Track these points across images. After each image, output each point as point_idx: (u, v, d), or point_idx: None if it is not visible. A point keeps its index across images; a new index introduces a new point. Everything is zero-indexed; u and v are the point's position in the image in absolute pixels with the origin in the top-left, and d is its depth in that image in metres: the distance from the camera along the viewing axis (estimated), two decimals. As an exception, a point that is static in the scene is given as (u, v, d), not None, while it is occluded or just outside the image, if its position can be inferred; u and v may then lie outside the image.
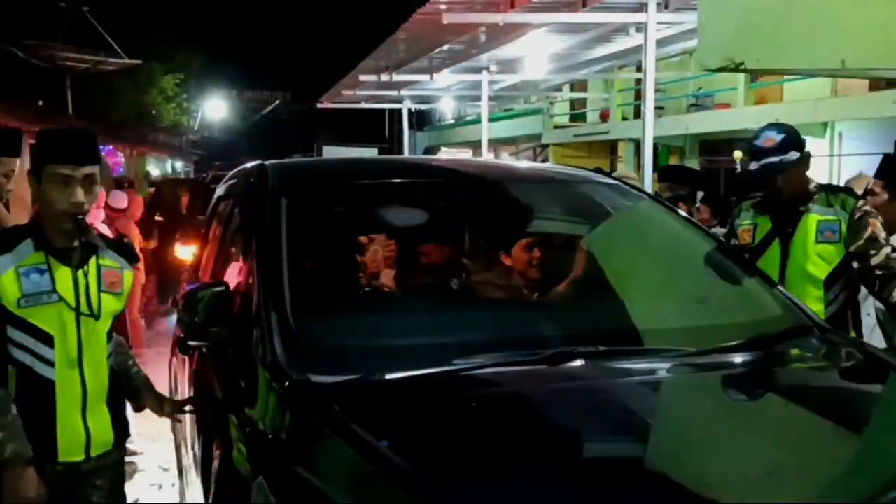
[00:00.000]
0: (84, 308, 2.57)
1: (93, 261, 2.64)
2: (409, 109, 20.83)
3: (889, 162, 4.17)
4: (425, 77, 14.73)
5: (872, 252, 3.02)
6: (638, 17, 9.19)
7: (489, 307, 2.77)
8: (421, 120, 29.05)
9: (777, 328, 2.49)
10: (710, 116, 15.59)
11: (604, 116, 20.24)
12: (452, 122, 28.64)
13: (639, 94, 19.05)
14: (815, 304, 2.97)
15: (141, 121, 27.53)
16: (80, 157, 2.51)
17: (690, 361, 2.30)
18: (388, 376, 2.06)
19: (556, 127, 21.70)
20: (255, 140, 37.43)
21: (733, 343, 2.36)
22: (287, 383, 2.07)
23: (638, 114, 19.18)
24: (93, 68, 14.87)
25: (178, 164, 30.37)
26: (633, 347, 2.37)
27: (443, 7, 9.14)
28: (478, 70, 14.28)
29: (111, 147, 9.59)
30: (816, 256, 3.09)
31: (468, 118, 26.66)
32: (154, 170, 24.35)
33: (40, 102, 15.73)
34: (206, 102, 35.36)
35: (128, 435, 2.84)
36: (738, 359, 2.34)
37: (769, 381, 2.32)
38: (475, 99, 17.30)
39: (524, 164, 4.71)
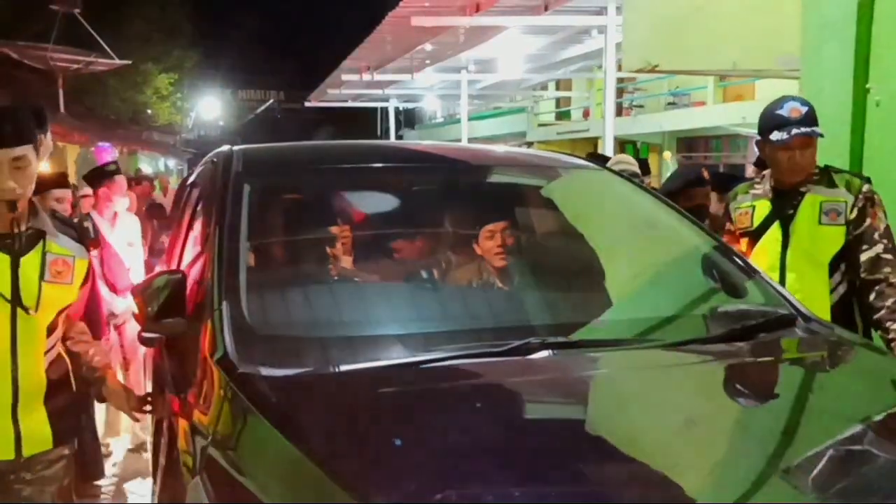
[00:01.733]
0: (25, 300, 2.37)
1: (37, 248, 2.43)
2: (397, 108, 21.30)
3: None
4: (406, 76, 15.18)
5: (864, 247, 2.85)
6: (598, 20, 9.64)
7: (457, 297, 2.61)
8: (412, 119, 29.48)
9: (757, 318, 2.32)
10: (683, 114, 16.03)
11: (586, 114, 20.70)
12: (442, 120, 29.09)
13: (620, 93, 19.55)
14: (820, 289, 2.87)
15: (136, 120, 27.95)
16: (3, 140, 2.28)
17: (661, 355, 2.16)
18: (342, 369, 1.95)
19: (540, 125, 22.14)
20: (250, 139, 37.42)
21: (709, 335, 2.27)
22: (234, 376, 1.91)
23: (620, 112, 19.69)
24: (84, 69, 15.30)
25: (171, 163, 30.78)
26: (599, 339, 2.24)
27: (412, 10, 9.58)
28: (457, 69, 14.76)
29: (109, 144, 10.01)
30: (819, 238, 2.89)
31: (457, 117, 27.12)
32: (147, 168, 24.75)
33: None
34: (200, 101, 35.73)
35: (75, 432, 2.68)
36: (712, 352, 2.18)
37: (744, 376, 2.13)
38: (458, 97, 17.77)
39: (501, 148, 4.33)
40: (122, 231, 5.22)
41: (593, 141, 20.67)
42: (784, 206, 2.96)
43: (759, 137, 3.03)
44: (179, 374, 2.37)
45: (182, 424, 2.15)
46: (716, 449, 1.72)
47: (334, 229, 2.69)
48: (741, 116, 12.98)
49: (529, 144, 23.04)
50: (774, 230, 2.96)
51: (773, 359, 2.26)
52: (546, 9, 9.46)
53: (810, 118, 2.88)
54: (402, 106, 22.21)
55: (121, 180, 5.24)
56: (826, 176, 2.95)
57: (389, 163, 3.01)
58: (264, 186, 2.67)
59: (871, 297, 2.84)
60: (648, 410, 1.84)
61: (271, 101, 40.52)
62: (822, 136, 2.95)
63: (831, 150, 3.62)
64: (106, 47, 15.22)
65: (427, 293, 2.62)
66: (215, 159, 2.88)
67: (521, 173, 3.13)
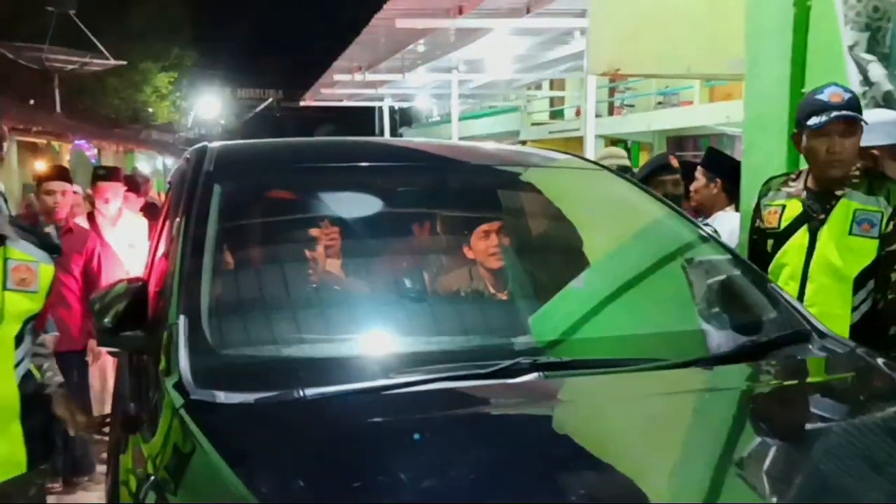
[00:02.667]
0: None
1: None
2: (392, 107, 21.50)
3: (710, 153, 4.49)
4: (398, 76, 15.37)
5: None
6: (580, 23, 9.82)
7: (444, 309, 2.39)
8: (408, 117, 29.66)
9: (769, 334, 2.16)
10: (670, 113, 16.22)
11: (578, 114, 20.87)
12: (438, 119, 29.27)
13: (611, 92, 19.72)
14: (841, 305, 2.60)
15: (136, 118, 28.14)
16: None
17: (660, 379, 1.94)
18: (308, 395, 1.74)
19: (533, 124, 22.32)
20: (249, 137, 37.83)
21: (715, 354, 2.08)
22: (186, 401, 1.71)
23: (611, 111, 19.86)
24: (79, 69, 15.51)
25: (169, 161, 31.01)
26: (596, 359, 2.00)
27: (397, 13, 9.78)
28: (448, 70, 14.95)
29: (85, 141, 10.18)
30: (846, 250, 2.61)
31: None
32: (145, 167, 24.98)
33: (31, 101, 16.39)
34: (199, 100, 35.93)
35: (50, 453, 2.54)
36: (718, 373, 1.99)
37: (752, 402, 1.94)
38: (451, 97, 17.97)
39: (492, 145, 4.10)
40: (124, 232, 5.22)
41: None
42: (815, 209, 2.70)
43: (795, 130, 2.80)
44: (135, 396, 2.18)
45: (128, 455, 1.94)
46: (713, 489, 1.52)
47: (312, 234, 2.47)
48: (725, 116, 13.15)
49: (523, 143, 23.27)
50: (801, 235, 2.71)
51: (784, 383, 2.04)
52: (528, 11, 9.66)
53: (853, 105, 2.64)
54: (397, 105, 22.38)
55: (107, 185, 5.23)
56: (867, 181, 2.68)
57: (373, 161, 2.76)
58: (236, 187, 2.48)
59: (893, 327, 2.57)
60: (646, 454, 1.59)
61: (270, 99, 40.73)
62: (866, 122, 2.69)
63: (772, 152, 3.82)
64: (101, 47, 15.44)
65: (410, 305, 2.36)
66: (189, 157, 2.72)
67: (516, 171, 2.91)
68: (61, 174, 4.81)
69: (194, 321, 1.92)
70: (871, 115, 3.16)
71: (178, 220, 2.35)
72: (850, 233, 2.62)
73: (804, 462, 1.62)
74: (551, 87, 22.62)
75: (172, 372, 1.82)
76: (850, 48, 3.48)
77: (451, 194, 2.78)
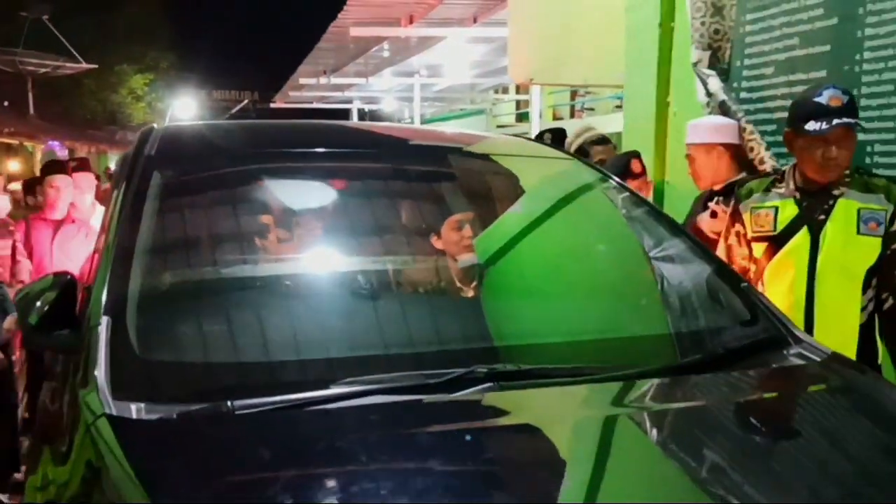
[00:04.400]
0: None
1: None
2: (361, 109, 22.04)
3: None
4: (362, 80, 15.93)
5: None
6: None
7: (402, 309, 2.17)
8: (380, 119, 30.16)
9: (742, 340, 2.01)
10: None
11: (554, 116, 21.48)
12: (409, 120, 29.77)
13: (573, 96, 20.35)
14: (853, 304, 2.57)
15: (112, 120, 28.50)
16: None
17: (622, 392, 1.75)
18: (237, 409, 1.53)
19: (498, 126, 22.90)
20: (224, 139, 38.24)
21: (683, 362, 1.91)
22: (100, 416, 1.52)
23: (572, 114, 20.50)
24: (52, 72, 15.97)
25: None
26: (555, 367, 1.80)
27: (350, 21, 10.34)
28: (410, 74, 15.51)
29: (57, 143, 10.58)
30: (855, 249, 2.57)
31: (426, 117, 27.88)
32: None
33: (6, 103, 16.82)
34: (175, 102, 36.29)
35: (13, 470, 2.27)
36: (685, 384, 1.83)
37: (721, 418, 1.73)
38: (421, 100, 18.55)
39: (464, 132, 3.84)
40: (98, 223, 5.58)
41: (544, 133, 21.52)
42: (813, 209, 2.63)
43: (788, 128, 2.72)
44: (52, 405, 2.01)
45: (37, 476, 1.79)
46: None
47: (260, 228, 2.27)
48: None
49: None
50: (802, 236, 2.63)
51: (757, 397, 1.88)
52: (475, 21, 10.24)
53: (851, 109, 2.58)
54: (367, 107, 22.92)
55: (79, 175, 5.33)
56: (858, 179, 2.64)
57: (332, 147, 2.53)
58: (178, 175, 2.27)
59: None
60: (597, 481, 1.44)
61: (246, 101, 41.13)
62: (863, 128, 2.70)
63: (645, 156, 4.42)
64: (73, 51, 15.92)
65: (365, 305, 2.11)
66: (134, 140, 2.48)
67: (487, 159, 2.77)
68: (62, 169, 5.09)
69: (118, 323, 1.71)
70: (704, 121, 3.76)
71: (111, 210, 2.18)
72: (859, 232, 2.56)
73: (776, 483, 1.44)
74: (517, 91, 23.24)
75: (90, 381, 1.60)
76: (695, 64, 4.09)
77: (416, 181, 2.59)
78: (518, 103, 25.16)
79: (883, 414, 1.80)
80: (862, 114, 3.30)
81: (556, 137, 5.02)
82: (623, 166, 3.95)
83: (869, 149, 3.25)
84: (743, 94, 3.90)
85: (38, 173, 8.53)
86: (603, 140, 4.60)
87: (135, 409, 1.54)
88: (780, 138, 3.12)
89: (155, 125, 2.57)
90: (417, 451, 1.52)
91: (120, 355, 1.67)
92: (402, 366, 1.78)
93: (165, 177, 2.21)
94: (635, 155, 4.00)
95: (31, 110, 15.73)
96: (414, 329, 2.08)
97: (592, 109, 20.03)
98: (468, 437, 1.57)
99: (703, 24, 4.10)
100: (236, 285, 2.14)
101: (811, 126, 2.56)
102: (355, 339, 1.95)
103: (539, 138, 5.03)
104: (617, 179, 2.72)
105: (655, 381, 1.81)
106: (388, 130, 3.35)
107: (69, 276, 2.00)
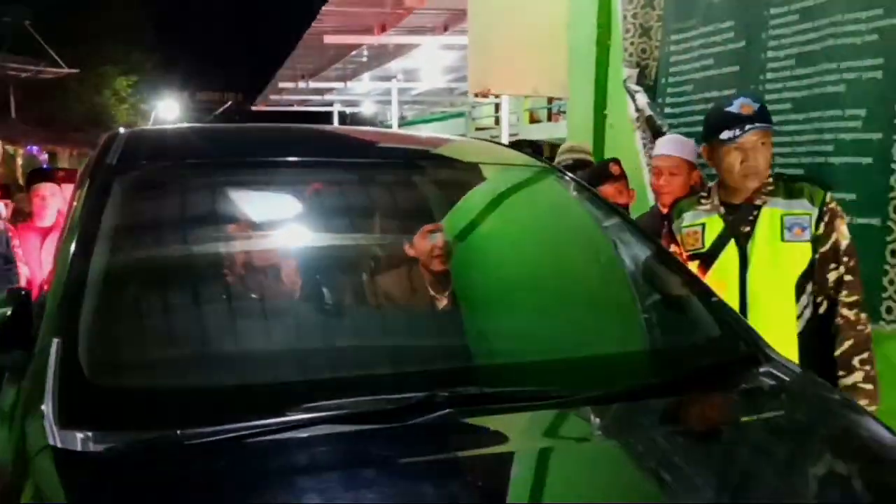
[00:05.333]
0: None
1: None
2: (343, 112, 22.32)
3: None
4: (340, 85, 16.20)
5: (832, 266, 2.52)
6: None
7: (365, 328, 2.09)
8: (361, 122, 30.42)
9: (710, 359, 1.95)
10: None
11: (532, 119, 21.83)
12: (390, 123, 30.05)
13: (550, 100, 20.73)
14: (787, 315, 2.52)
15: (96, 122, 28.63)
16: None
17: (585, 419, 1.66)
18: (187, 437, 1.44)
19: (477, 129, 23.22)
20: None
21: (650, 384, 1.80)
22: (43, 447, 1.41)
23: (549, 117, 20.87)
24: (33, 76, 16.17)
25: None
26: (516, 390, 1.70)
27: (324, 29, 10.62)
28: (388, 78, 15.81)
29: (36, 147, 10.75)
30: (783, 258, 2.54)
31: (407, 119, 28.21)
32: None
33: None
34: (160, 103, 36.43)
35: None
36: (650, 409, 1.72)
37: (688, 445, 1.64)
38: (400, 103, 18.87)
39: (440, 136, 3.69)
40: None
41: (524, 144, 21.92)
42: (739, 222, 2.61)
43: (703, 143, 2.72)
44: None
45: None
46: None
47: (227, 241, 2.16)
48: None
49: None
50: (730, 250, 2.61)
51: (724, 421, 1.79)
52: (446, 29, 10.53)
53: (763, 115, 2.59)
54: (348, 110, 23.19)
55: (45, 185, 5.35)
56: (782, 185, 2.62)
57: (300, 153, 2.39)
58: (140, 185, 2.15)
59: (832, 330, 2.53)
60: None
61: (230, 102, 41.30)
62: (774, 132, 2.71)
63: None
64: (55, 56, 16.12)
65: (332, 322, 2.06)
66: (99, 145, 2.33)
67: (463, 166, 2.66)
68: (48, 178, 5.09)
69: (69, 345, 1.59)
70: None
71: (68, 222, 2.05)
72: (783, 239, 2.55)
73: None
74: (497, 95, 23.55)
75: (32, 409, 1.50)
76: (624, 81, 4.40)
77: (390, 189, 2.52)
78: (497, 106, 25.59)
79: (854, 440, 1.72)
80: (763, 130, 3.62)
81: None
82: (601, 170, 3.90)
83: (772, 161, 3.56)
84: (667, 110, 4.21)
85: (20, 177, 8.71)
86: (610, 176, 4.01)
87: (80, 440, 1.42)
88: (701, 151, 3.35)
89: (121, 129, 2.44)
90: (362, 485, 1.40)
91: (69, 380, 1.53)
92: (364, 389, 1.64)
93: (127, 187, 2.08)
94: (613, 160, 3.97)
95: (13, 113, 15.92)
96: (380, 349, 1.96)
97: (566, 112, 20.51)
98: (416, 470, 1.44)
99: (632, 43, 4.42)
100: (197, 305, 2.00)
101: (725, 135, 2.57)
102: (317, 362, 1.83)
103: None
104: (583, 183, 2.68)
105: (619, 406, 1.69)
106: (356, 134, 3.25)
107: (24, 292, 1.87)
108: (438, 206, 2.56)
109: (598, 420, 1.67)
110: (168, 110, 37.85)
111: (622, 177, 3.84)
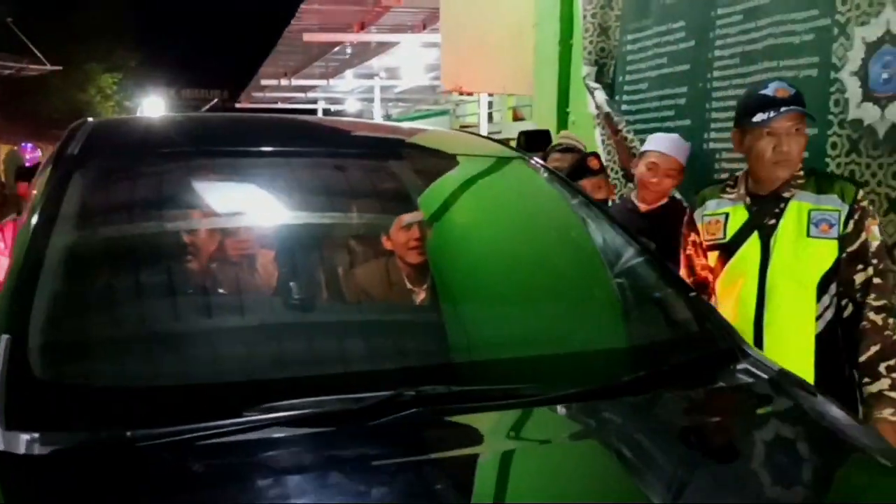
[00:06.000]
0: None
1: None
2: (326, 109, 22.39)
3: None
4: (323, 82, 16.29)
5: (860, 267, 2.38)
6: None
7: (336, 323, 2.02)
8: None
9: (686, 356, 1.89)
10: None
11: (516, 117, 21.95)
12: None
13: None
14: (806, 314, 2.40)
15: (81, 119, 28.54)
16: None
17: (554, 418, 1.61)
18: (138, 439, 1.38)
19: (462, 126, 23.35)
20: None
21: (625, 381, 1.72)
22: None
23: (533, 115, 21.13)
24: (16, 74, 16.19)
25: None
26: (478, 389, 1.64)
27: (304, 27, 10.72)
28: (370, 76, 15.91)
29: (30, 144, 10.78)
30: (807, 254, 2.41)
31: (392, 117, 28.32)
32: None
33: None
34: (144, 101, 36.39)
35: None
36: (624, 407, 1.66)
37: (659, 445, 1.57)
38: (384, 101, 18.97)
39: (419, 126, 3.73)
40: None
41: (505, 141, 22.06)
42: (764, 213, 2.48)
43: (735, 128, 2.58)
44: None
45: None
46: None
47: (192, 233, 2.07)
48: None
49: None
50: (752, 243, 2.49)
51: (698, 421, 1.73)
52: (424, 27, 10.65)
53: (799, 100, 2.45)
54: (332, 108, 23.25)
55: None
56: (813, 180, 2.48)
57: (278, 144, 2.32)
58: (102, 175, 2.09)
59: (856, 335, 2.38)
60: None
61: (215, 100, 41.26)
62: (814, 119, 2.58)
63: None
64: (37, 53, 16.12)
65: (300, 317, 1.97)
66: (64, 135, 2.24)
67: (440, 156, 2.57)
68: (33, 175, 5.32)
69: (18, 341, 1.54)
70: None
71: (27, 213, 1.98)
72: (809, 235, 2.41)
73: None
74: (469, 93, 23.69)
75: None
76: (584, 78, 4.54)
77: (364, 179, 2.44)
78: (490, 103, 25.74)
79: (828, 441, 1.65)
80: (711, 126, 3.78)
81: (533, 139, 4.74)
82: (580, 164, 3.82)
83: (717, 156, 3.72)
84: (625, 107, 4.36)
85: (2, 173, 8.75)
86: (567, 149, 4.18)
87: (25, 443, 1.35)
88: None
89: (90, 119, 2.32)
90: (319, 489, 1.33)
91: (16, 379, 1.46)
92: (329, 388, 1.56)
93: (88, 178, 2.01)
94: (593, 154, 3.91)
95: (-5, 110, 15.96)
96: (350, 345, 1.88)
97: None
98: (376, 474, 1.38)
99: (591, 42, 4.56)
100: (153, 301, 1.90)
101: (758, 118, 2.42)
102: (282, 359, 1.75)
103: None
104: (554, 172, 2.60)
105: (589, 404, 1.62)
106: (329, 123, 3.21)
107: None
108: (414, 196, 2.47)
109: (566, 419, 1.62)
110: (153, 107, 37.80)
111: (601, 171, 3.78)
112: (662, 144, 3.47)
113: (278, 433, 1.42)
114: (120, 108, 33.23)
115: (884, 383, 2.28)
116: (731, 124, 3.56)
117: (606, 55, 4.55)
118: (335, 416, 1.46)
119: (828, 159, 3.10)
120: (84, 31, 27.82)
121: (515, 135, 5.04)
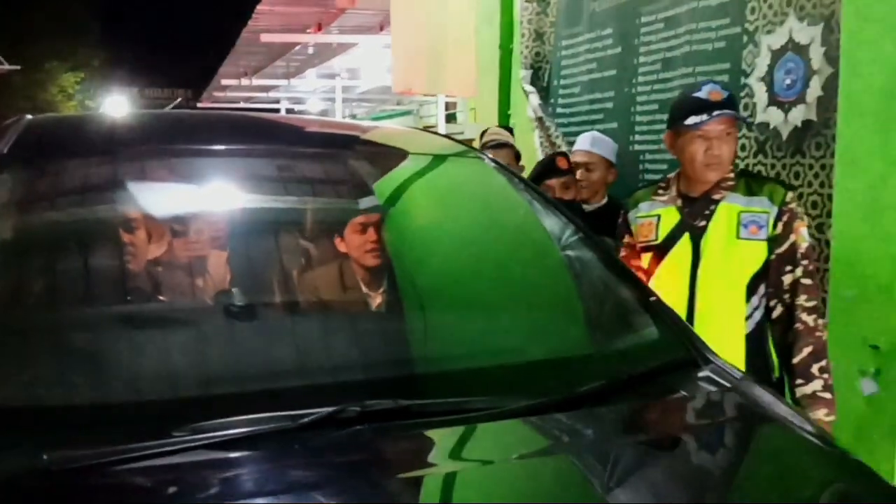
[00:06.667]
0: None
1: None
2: (290, 109, 22.41)
3: None
4: (284, 82, 16.31)
5: (788, 268, 2.43)
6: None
7: (280, 332, 1.86)
8: (312, 118, 30.44)
9: (649, 363, 1.81)
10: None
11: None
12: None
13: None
14: (735, 315, 2.45)
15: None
16: None
17: (514, 432, 1.52)
18: (54, 462, 1.26)
19: (425, 127, 23.46)
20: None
21: (581, 391, 1.62)
22: None
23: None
24: (-28, 73, 16.05)
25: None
26: (425, 403, 1.54)
27: (261, 28, 10.77)
28: (332, 76, 15.97)
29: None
30: (736, 256, 2.45)
31: (358, 117, 28.39)
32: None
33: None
34: (107, 100, 36.08)
35: None
36: (579, 419, 1.58)
37: (620, 459, 1.48)
38: (346, 101, 19.03)
39: (373, 124, 3.54)
40: None
41: (470, 141, 22.24)
42: (695, 215, 2.52)
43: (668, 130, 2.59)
44: None
45: None
46: None
47: (129, 238, 1.91)
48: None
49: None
50: (683, 244, 2.52)
51: (658, 432, 1.67)
52: (381, 29, 10.74)
53: (732, 103, 2.49)
54: (295, 107, 23.26)
55: None
56: (743, 182, 2.52)
57: (222, 142, 2.19)
58: (32, 175, 1.96)
59: (789, 336, 2.42)
60: None
61: (179, 99, 41.00)
62: (747, 122, 2.66)
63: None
64: (-6, 52, 15.99)
65: (241, 326, 1.82)
66: None
67: (396, 154, 2.48)
68: None
69: None
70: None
71: None
72: (738, 236, 2.45)
73: None
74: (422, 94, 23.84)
75: None
76: (521, 81, 4.68)
77: (305, 174, 2.33)
78: (446, 105, 25.88)
79: (798, 450, 1.61)
80: (636, 129, 3.93)
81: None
82: (548, 164, 3.78)
83: (643, 157, 3.87)
84: (559, 110, 4.51)
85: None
86: (499, 145, 4.18)
87: None
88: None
89: (28, 116, 2.20)
90: None
91: None
92: (270, 404, 1.44)
93: (17, 178, 1.89)
94: (562, 153, 3.92)
95: (-48, 110, 15.81)
96: (296, 356, 1.73)
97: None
98: (311, 496, 1.28)
99: (527, 47, 4.71)
100: (77, 308, 1.78)
101: (691, 120, 2.45)
102: (217, 375, 1.62)
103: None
104: (515, 172, 2.61)
105: (546, 417, 1.54)
106: (280, 119, 3.19)
107: None
108: (369, 195, 2.38)
109: (520, 434, 1.52)
110: (116, 106, 37.47)
111: (569, 171, 3.68)
112: (582, 143, 3.66)
113: (208, 455, 1.30)
114: (82, 108, 32.99)
115: (817, 384, 2.33)
116: (654, 127, 3.77)
117: (541, 60, 4.70)
118: (270, 436, 1.35)
119: (738, 160, 3.26)
120: (45, 30, 27.58)
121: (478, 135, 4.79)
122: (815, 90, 2.93)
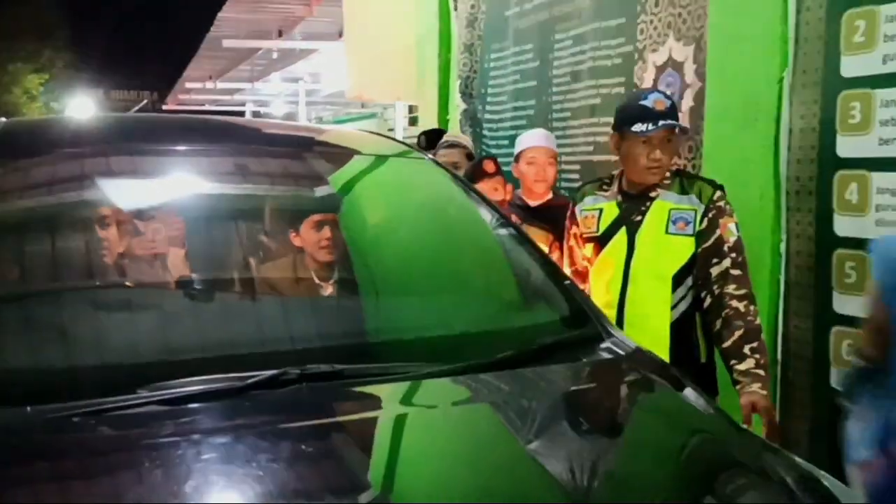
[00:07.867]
0: None
1: None
2: (257, 111, 22.72)
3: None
4: (248, 85, 16.66)
5: (714, 261, 2.60)
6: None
7: (232, 310, 2.10)
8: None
9: (555, 336, 2.06)
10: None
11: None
12: (308, 123, 30.41)
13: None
14: (661, 304, 2.65)
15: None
16: None
17: (420, 390, 1.75)
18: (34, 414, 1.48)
19: (389, 129, 23.85)
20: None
21: (496, 358, 1.85)
22: None
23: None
24: (-64, 75, 16.16)
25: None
26: (355, 367, 1.75)
27: (223, 34, 11.16)
28: (295, 80, 16.36)
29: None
30: (665, 249, 2.66)
31: (324, 119, 28.73)
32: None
33: None
34: (72, 102, 36.00)
35: None
36: (491, 381, 1.81)
37: (516, 414, 1.73)
38: (311, 104, 19.43)
39: (327, 127, 3.91)
40: None
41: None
42: (632, 211, 2.73)
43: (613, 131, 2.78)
44: None
45: None
46: None
47: (98, 229, 2.11)
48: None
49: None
50: (620, 237, 2.74)
51: (555, 392, 1.88)
52: (340, 36, 11.17)
53: (674, 113, 2.70)
54: (261, 110, 23.55)
55: None
56: (678, 181, 2.73)
57: (182, 144, 2.40)
58: (13, 174, 2.17)
59: (718, 322, 2.59)
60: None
61: (145, 101, 40.98)
62: (685, 132, 2.85)
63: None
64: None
65: (198, 304, 2.06)
66: None
67: (346, 154, 2.67)
68: None
69: None
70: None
71: None
72: (667, 231, 2.65)
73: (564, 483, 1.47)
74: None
75: None
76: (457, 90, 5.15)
77: (260, 174, 2.51)
78: (410, 108, 26.29)
79: (669, 409, 1.87)
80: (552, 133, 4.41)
81: (431, 138, 4.83)
82: (477, 168, 3.88)
83: (558, 159, 4.35)
84: (487, 116, 4.98)
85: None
86: (452, 144, 4.30)
87: None
88: (510, 152, 3.89)
89: (3, 119, 2.37)
90: (209, 453, 1.44)
91: None
92: (220, 368, 1.66)
93: None
94: (489, 157, 4.04)
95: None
96: (248, 329, 1.98)
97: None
98: (255, 436, 1.51)
99: (460, 59, 5.18)
100: (51, 284, 2.00)
101: (637, 128, 2.62)
102: (173, 341, 1.86)
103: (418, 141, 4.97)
104: (455, 173, 2.79)
105: (461, 378, 1.80)
106: (238, 122, 3.48)
107: None
108: (321, 193, 2.56)
109: (443, 390, 1.76)
110: (81, 109, 37.37)
111: (498, 173, 3.79)
112: (535, 139, 3.69)
113: (172, 407, 1.53)
114: (47, 110, 32.87)
115: (750, 363, 2.50)
116: (568, 132, 4.25)
117: (470, 70, 5.18)
118: (223, 393, 1.58)
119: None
120: (9, 31, 27.57)
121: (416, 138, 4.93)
122: (688, 101, 3.42)
